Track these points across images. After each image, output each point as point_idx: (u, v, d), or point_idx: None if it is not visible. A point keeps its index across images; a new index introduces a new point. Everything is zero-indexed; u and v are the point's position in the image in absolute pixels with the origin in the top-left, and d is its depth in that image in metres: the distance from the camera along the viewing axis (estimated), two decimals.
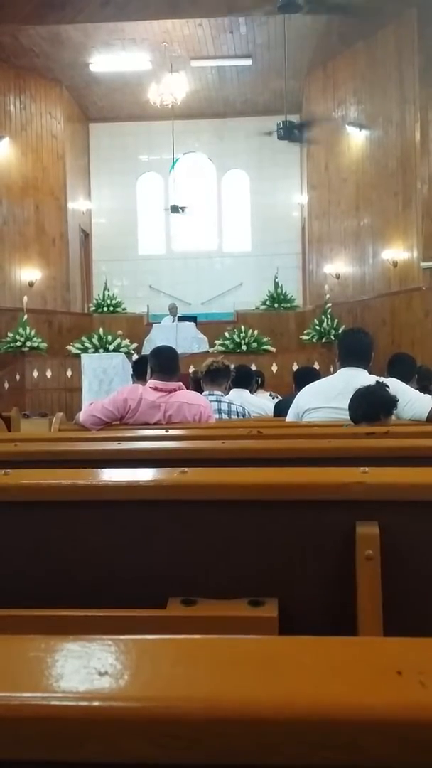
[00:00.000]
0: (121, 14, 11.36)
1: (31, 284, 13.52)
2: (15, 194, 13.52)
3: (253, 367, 7.69)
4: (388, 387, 3.24)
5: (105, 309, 14.13)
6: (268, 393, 6.95)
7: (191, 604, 1.34)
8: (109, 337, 12.14)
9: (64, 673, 0.57)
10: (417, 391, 3.80)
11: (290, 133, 11.98)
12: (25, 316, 12.20)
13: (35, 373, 11.93)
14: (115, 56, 12.84)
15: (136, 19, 11.54)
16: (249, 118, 15.30)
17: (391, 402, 3.16)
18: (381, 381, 3.35)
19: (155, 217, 16.33)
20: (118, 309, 14.25)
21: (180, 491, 1.48)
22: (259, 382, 6.89)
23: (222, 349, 11.80)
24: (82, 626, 1.29)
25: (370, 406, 3.09)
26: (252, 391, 5.90)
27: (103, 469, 1.69)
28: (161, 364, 3.94)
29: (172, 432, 3.06)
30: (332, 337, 11.65)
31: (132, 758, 0.53)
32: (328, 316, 12.24)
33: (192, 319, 12.40)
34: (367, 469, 1.50)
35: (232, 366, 4.99)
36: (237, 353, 11.59)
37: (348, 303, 12.90)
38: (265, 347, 12.10)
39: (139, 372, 4.87)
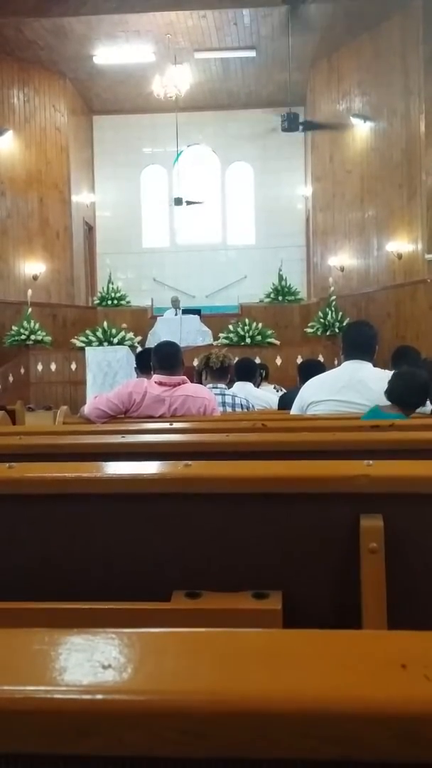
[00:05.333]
0: (125, 6, 11.31)
1: (35, 277, 13.53)
2: (19, 187, 13.51)
3: (258, 360, 7.67)
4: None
5: (109, 302, 14.12)
6: (273, 386, 6.94)
7: (195, 597, 1.34)
8: (113, 331, 12.14)
9: (67, 666, 0.57)
10: None
11: (294, 125, 11.93)
12: (30, 310, 12.21)
13: (39, 367, 11.94)
14: (118, 48, 12.81)
15: (140, 10, 11.49)
16: (253, 110, 15.26)
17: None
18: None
19: (159, 209, 16.30)
20: (123, 302, 14.23)
21: (184, 484, 1.48)
22: (264, 374, 6.89)
23: (226, 342, 11.79)
24: (85, 619, 1.29)
25: (410, 391, 3.08)
26: (256, 384, 5.88)
27: (108, 463, 1.69)
28: (162, 361, 3.94)
29: (176, 425, 3.05)
30: (336, 330, 11.62)
31: (135, 751, 0.53)
32: (333, 308, 12.21)
33: (196, 312, 12.40)
34: (371, 461, 1.49)
35: (235, 359, 4.97)
36: (241, 346, 11.58)
37: (352, 296, 12.87)
38: (269, 340, 12.09)
39: (143, 365, 4.86)
